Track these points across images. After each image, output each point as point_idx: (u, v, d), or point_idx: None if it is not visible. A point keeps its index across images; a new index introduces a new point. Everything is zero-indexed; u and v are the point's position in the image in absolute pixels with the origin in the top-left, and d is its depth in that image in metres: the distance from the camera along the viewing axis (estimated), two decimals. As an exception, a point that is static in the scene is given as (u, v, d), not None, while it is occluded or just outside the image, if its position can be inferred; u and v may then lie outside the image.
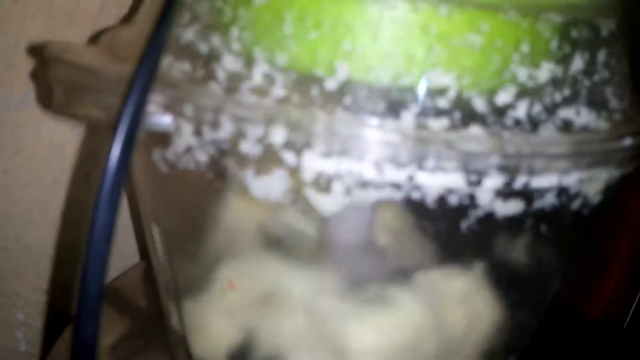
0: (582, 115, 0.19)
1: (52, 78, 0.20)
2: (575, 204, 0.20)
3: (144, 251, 0.45)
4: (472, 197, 0.18)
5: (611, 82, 0.20)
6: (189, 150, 0.20)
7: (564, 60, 0.19)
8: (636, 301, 0.48)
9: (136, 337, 0.31)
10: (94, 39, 0.30)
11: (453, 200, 0.18)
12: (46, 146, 0.38)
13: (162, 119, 0.19)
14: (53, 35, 0.35)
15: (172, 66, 0.20)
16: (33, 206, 0.40)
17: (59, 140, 0.38)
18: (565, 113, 0.19)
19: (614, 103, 0.20)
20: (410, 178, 0.17)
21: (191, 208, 0.23)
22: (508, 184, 0.17)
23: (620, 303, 0.50)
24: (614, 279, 0.50)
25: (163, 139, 0.20)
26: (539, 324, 0.25)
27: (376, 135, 0.17)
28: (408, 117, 0.17)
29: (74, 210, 0.41)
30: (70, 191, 0.41)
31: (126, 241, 0.44)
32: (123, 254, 0.44)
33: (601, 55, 0.20)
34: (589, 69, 0.19)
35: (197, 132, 0.19)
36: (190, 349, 0.27)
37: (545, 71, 0.18)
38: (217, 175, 0.20)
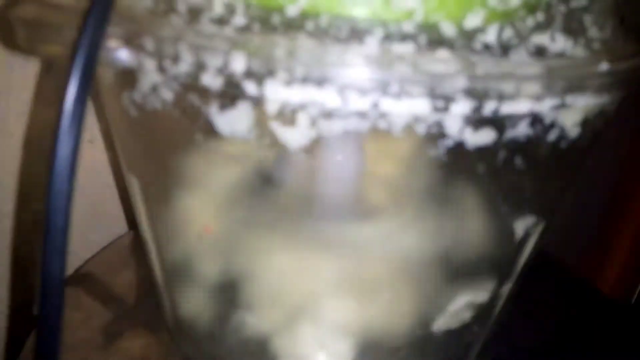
0: (557, 42, 0.19)
1: (14, 17, 0.20)
2: (552, 136, 0.19)
3: (132, 221, 0.45)
4: (440, 125, 0.18)
5: (591, 10, 0.20)
6: (154, 89, 0.20)
7: (538, -17, 0.18)
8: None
9: (123, 305, 0.31)
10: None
11: (420, 129, 0.18)
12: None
13: (123, 54, 0.19)
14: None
15: (134, 2, 0.20)
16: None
17: None
18: (539, 39, 0.19)
19: (593, 32, 0.20)
20: (375, 105, 0.17)
21: (163, 152, 0.23)
22: (477, 110, 0.17)
23: (628, 280, 0.50)
24: (621, 257, 0.50)
25: (129, 79, 0.20)
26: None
27: (339, 61, 0.17)
28: (372, 43, 0.17)
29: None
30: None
31: (113, 211, 0.44)
32: (110, 224, 0.44)
33: (579, -20, 0.20)
34: (566, -6, 0.19)
35: (160, 68, 0.19)
36: (176, 304, 0.27)
37: (517, -6, 0.18)
38: (183, 114, 0.20)
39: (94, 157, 0.41)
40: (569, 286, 0.38)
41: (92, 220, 0.42)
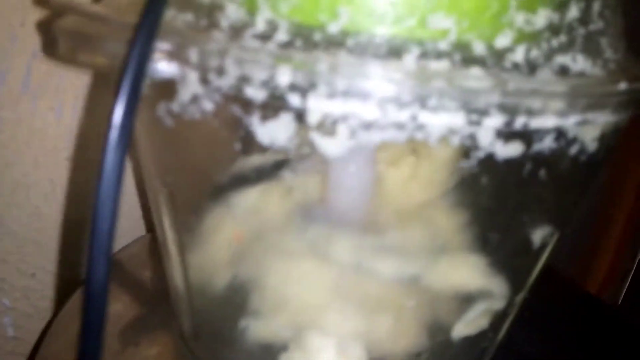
0: (578, 62, 0.20)
1: (59, 28, 0.21)
2: (573, 150, 0.21)
3: (150, 224, 0.46)
4: (473, 138, 0.19)
5: (606, 33, 0.22)
6: (194, 99, 0.21)
7: (560, 7, 0.20)
8: (629, 278, 0.50)
9: (141, 306, 0.32)
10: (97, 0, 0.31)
11: (455, 140, 0.19)
12: (26, 127, 0.39)
13: (167, 67, 0.20)
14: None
15: (175, 17, 0.21)
16: (15, 189, 0.41)
17: (39, 122, 0.40)
18: (562, 59, 0.20)
19: (609, 53, 0.22)
20: (413, 117, 0.18)
21: (197, 162, 0.24)
22: (508, 124, 0.19)
23: (615, 282, 0.52)
24: (608, 260, 0.52)
25: (168, 90, 0.21)
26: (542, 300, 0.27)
27: (379, 75, 0.18)
28: (409, 59, 0.19)
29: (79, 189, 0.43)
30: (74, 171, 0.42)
31: (132, 214, 0.46)
32: (129, 227, 0.45)
33: (596, 6, 0.21)
34: (585, 18, 0.21)
35: (203, 80, 0.20)
36: (195, 311, 0.28)
37: (542, 17, 0.20)
38: (223, 124, 0.21)
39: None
40: (560, 290, 0.39)
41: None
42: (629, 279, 0.52)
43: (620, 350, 0.34)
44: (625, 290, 0.53)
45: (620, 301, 0.53)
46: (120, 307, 0.32)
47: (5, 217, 0.42)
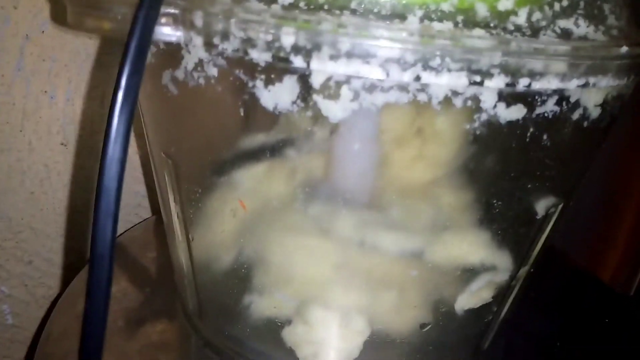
0: (580, 27, 0.21)
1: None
2: (575, 114, 0.21)
3: (155, 205, 0.46)
4: (476, 99, 0.20)
5: (609, 0, 0.22)
6: (199, 65, 0.21)
7: (563, -28, 0.21)
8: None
9: (145, 286, 0.32)
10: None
11: (458, 102, 0.20)
12: (20, 111, 0.40)
13: (173, 30, 0.20)
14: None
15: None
16: (9, 175, 0.41)
17: (33, 105, 0.40)
18: (565, 23, 0.21)
19: (611, 20, 0.22)
20: (417, 78, 0.19)
21: (202, 131, 0.24)
22: (510, 85, 0.19)
23: (628, 271, 0.52)
24: (620, 248, 0.53)
25: (173, 58, 0.22)
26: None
27: (383, 36, 0.19)
28: (413, 20, 0.19)
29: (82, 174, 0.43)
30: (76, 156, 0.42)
31: (137, 197, 0.46)
32: (125, 217, 0.46)
33: (599, -28, 0.22)
34: (587, -17, 0.21)
35: (208, 44, 0.20)
36: (200, 287, 0.28)
37: (544, -20, 0.20)
38: (227, 89, 0.21)
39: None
40: (571, 276, 0.40)
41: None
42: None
43: (627, 333, 0.35)
44: (638, 280, 0.53)
45: (633, 291, 0.53)
46: (124, 286, 0.33)
47: (2, 203, 0.42)
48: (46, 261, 0.45)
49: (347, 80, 0.19)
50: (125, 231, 0.40)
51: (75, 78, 0.40)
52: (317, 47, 0.19)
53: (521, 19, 0.20)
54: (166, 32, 0.20)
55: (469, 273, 0.25)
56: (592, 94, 0.21)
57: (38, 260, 0.45)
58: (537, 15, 0.20)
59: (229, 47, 0.20)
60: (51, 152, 0.42)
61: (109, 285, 0.19)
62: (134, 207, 0.47)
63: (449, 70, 0.19)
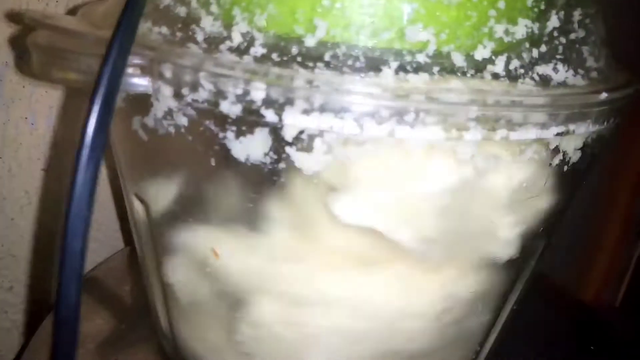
0: (559, 72, 0.21)
1: (31, 43, 0.21)
2: (555, 160, 0.21)
3: (128, 236, 0.46)
4: (454, 152, 0.19)
5: (587, 42, 0.22)
6: (168, 114, 0.21)
7: (541, 17, 0.20)
8: (627, 281, 0.51)
9: (120, 321, 0.32)
10: (71, 13, 0.31)
11: (436, 155, 0.19)
12: (0, 137, 0.39)
13: (141, 81, 0.20)
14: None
15: (150, 30, 0.21)
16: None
17: (13, 131, 0.40)
18: (543, 69, 0.20)
19: (590, 62, 0.22)
20: (391, 133, 0.19)
21: (172, 176, 0.24)
22: (488, 138, 0.19)
23: (613, 283, 0.53)
24: (605, 258, 0.53)
25: (142, 104, 0.21)
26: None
27: (357, 90, 0.18)
28: (388, 73, 0.19)
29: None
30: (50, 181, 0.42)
31: (110, 228, 0.46)
32: (107, 241, 0.45)
33: (577, 15, 0.22)
34: (565, 27, 0.21)
35: (177, 94, 0.20)
36: (174, 327, 0.28)
37: (522, 27, 0.20)
38: (198, 139, 0.21)
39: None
40: (554, 298, 0.40)
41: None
42: (627, 279, 0.53)
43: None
44: (623, 291, 0.53)
45: (618, 302, 0.54)
46: (99, 323, 0.32)
47: (-19, 230, 0.42)
48: (27, 287, 0.45)
49: (321, 134, 0.19)
50: (106, 260, 0.40)
51: (56, 104, 0.40)
52: (289, 101, 0.18)
53: (499, 67, 0.20)
54: (134, 82, 0.20)
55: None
56: (572, 140, 0.21)
57: (19, 286, 0.44)
58: (514, 63, 0.20)
59: (199, 98, 0.19)
60: (32, 178, 0.42)
61: (74, 350, 0.19)
62: (116, 231, 0.47)
63: (424, 124, 0.18)
